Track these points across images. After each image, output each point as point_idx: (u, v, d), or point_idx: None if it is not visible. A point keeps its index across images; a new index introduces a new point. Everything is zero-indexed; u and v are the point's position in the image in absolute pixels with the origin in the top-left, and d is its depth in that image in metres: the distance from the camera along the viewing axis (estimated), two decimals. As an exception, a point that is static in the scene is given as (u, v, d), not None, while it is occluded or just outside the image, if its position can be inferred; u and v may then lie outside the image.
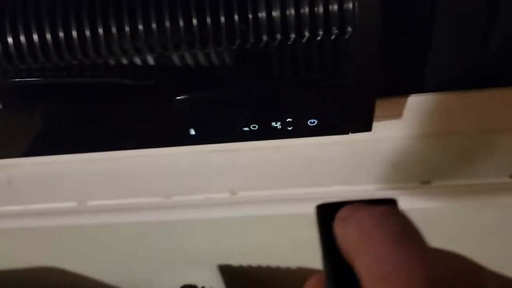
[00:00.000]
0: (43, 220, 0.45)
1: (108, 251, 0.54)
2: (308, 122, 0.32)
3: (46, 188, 0.42)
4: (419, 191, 0.40)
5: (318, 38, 0.27)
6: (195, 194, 0.41)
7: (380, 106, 0.35)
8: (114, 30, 0.28)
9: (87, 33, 0.28)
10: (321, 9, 0.26)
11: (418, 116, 0.36)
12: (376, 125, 0.36)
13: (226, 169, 0.39)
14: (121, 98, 0.32)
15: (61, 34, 0.28)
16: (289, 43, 0.28)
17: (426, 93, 0.35)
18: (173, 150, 0.38)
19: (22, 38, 0.28)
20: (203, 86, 0.31)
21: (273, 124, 0.33)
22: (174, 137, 0.34)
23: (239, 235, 0.48)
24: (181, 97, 0.31)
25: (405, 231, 0.16)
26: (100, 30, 0.28)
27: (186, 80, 0.31)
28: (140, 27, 0.27)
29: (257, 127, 0.33)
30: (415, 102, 0.36)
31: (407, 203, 0.41)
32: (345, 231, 0.17)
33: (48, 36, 0.28)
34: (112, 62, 0.29)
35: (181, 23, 0.27)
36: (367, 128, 0.33)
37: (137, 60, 0.29)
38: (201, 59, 0.29)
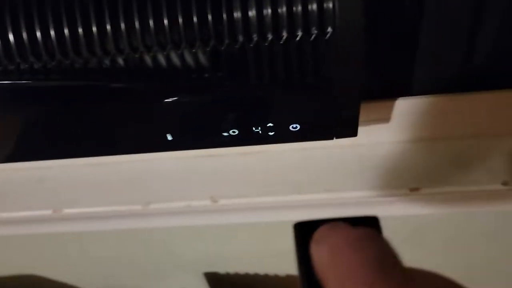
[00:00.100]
0: (18, 228, 0.43)
1: (90, 258, 0.52)
2: (290, 127, 0.31)
3: (19, 195, 0.40)
4: (408, 198, 0.39)
5: (297, 39, 0.26)
6: (174, 201, 0.39)
7: (367, 110, 0.34)
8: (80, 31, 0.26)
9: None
10: (299, 9, 0.25)
11: (406, 120, 0.35)
12: (362, 129, 0.35)
13: (207, 176, 0.38)
14: (93, 102, 0.30)
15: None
16: (266, 44, 0.26)
17: (415, 96, 0.34)
18: (150, 156, 0.37)
19: (11, 37, 0.27)
20: (178, 90, 0.29)
21: (254, 129, 0.31)
22: (151, 142, 0.33)
23: (223, 243, 0.47)
24: (156, 101, 0.30)
25: (380, 257, 0.15)
26: (66, 31, 0.26)
27: (159, 84, 0.29)
28: (108, 28, 0.26)
29: (237, 132, 0.31)
30: (403, 106, 0.34)
31: (396, 211, 0.40)
32: (319, 253, 0.17)
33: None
34: (80, 65, 0.28)
35: (151, 23, 0.26)
36: (353, 133, 0.32)
37: (107, 63, 0.27)
38: (175, 61, 0.28)
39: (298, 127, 0.31)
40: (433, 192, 0.38)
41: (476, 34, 0.30)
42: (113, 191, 0.40)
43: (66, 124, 0.32)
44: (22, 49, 0.27)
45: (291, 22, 0.25)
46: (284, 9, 0.25)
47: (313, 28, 0.26)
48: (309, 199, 0.39)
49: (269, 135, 0.31)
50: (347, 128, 0.32)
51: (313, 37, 0.26)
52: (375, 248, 0.15)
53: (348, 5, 0.25)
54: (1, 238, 0.47)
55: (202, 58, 0.27)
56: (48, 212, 0.40)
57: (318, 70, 0.27)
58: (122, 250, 0.50)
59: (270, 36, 0.26)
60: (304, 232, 0.18)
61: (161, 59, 0.27)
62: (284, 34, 0.26)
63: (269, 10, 0.25)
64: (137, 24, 0.26)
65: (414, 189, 0.39)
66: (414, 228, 0.41)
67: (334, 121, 0.31)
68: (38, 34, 0.27)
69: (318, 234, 0.17)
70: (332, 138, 0.32)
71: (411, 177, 0.38)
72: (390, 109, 0.35)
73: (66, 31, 0.26)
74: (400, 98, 0.34)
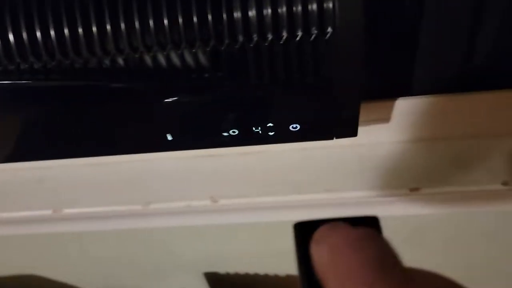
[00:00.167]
0: (18, 228, 0.43)
1: (90, 258, 0.52)
2: (290, 127, 0.31)
3: (19, 195, 0.40)
4: (408, 198, 0.39)
5: (297, 39, 0.26)
6: (174, 201, 0.39)
7: (367, 110, 0.34)
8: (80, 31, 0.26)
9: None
10: (299, 9, 0.25)
11: (406, 120, 0.35)
12: (362, 129, 0.35)
13: (207, 176, 0.38)
14: (93, 102, 0.30)
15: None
16: (266, 44, 0.26)
17: (415, 96, 0.34)
18: (150, 156, 0.36)
19: (11, 37, 0.27)
20: (178, 90, 0.29)
21: (254, 129, 0.31)
22: (151, 142, 0.33)
23: (223, 242, 0.47)
24: (156, 101, 0.30)
25: (379, 257, 0.15)
26: (66, 31, 0.26)
27: (159, 84, 0.29)
28: (108, 28, 0.26)
29: (237, 132, 0.31)
30: (403, 106, 0.34)
31: (396, 211, 0.40)
32: (319, 253, 0.17)
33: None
34: (80, 65, 0.28)
35: (151, 23, 0.26)
36: (353, 133, 0.32)
37: (107, 63, 0.27)
38: (175, 61, 0.28)
39: (298, 127, 0.31)
40: (433, 192, 0.38)
41: (476, 34, 0.29)
42: (113, 191, 0.40)
43: (66, 124, 0.32)
44: (22, 49, 0.27)
45: (291, 22, 0.25)
46: (284, 9, 0.25)
47: (313, 28, 0.25)
48: (309, 199, 0.39)
49: (269, 135, 0.31)
50: (347, 128, 0.32)
51: (313, 37, 0.26)
52: (375, 248, 0.15)
53: (348, 5, 0.25)
54: (1, 238, 0.47)
55: (202, 58, 0.27)
56: (48, 212, 0.40)
57: (318, 70, 0.27)
58: (122, 250, 0.50)
59: (270, 36, 0.26)
60: (304, 232, 0.18)
61: (161, 59, 0.27)
62: (284, 34, 0.26)
63: (269, 10, 0.25)
64: (137, 24, 0.26)
65: (414, 189, 0.39)
66: (414, 228, 0.41)
67: (334, 121, 0.31)
68: (38, 34, 0.27)
69: (318, 234, 0.17)
70: (332, 138, 0.32)
71: (411, 177, 0.38)
72: (390, 109, 0.35)
73: (66, 31, 0.26)
74: (400, 98, 0.34)
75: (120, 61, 0.27)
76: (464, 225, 0.42)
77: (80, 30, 0.26)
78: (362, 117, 0.33)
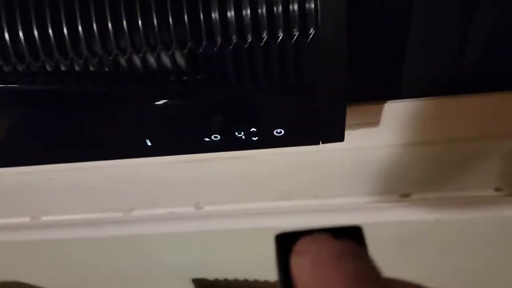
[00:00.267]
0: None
1: (73, 265, 0.51)
2: (274, 132, 0.30)
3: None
4: (398, 204, 0.37)
5: (278, 40, 0.25)
6: (157, 208, 0.38)
7: (355, 113, 0.33)
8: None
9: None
10: (280, 9, 0.24)
11: (396, 124, 0.34)
12: (351, 133, 0.34)
13: (191, 181, 0.37)
14: (68, 107, 0.29)
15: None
16: (245, 46, 0.25)
17: (404, 100, 0.33)
18: (132, 161, 0.35)
19: None
20: (156, 94, 0.28)
21: (237, 134, 0.30)
22: (129, 148, 0.31)
23: (211, 249, 0.45)
24: (133, 105, 0.29)
25: (360, 271, 0.15)
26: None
27: (137, 88, 0.28)
28: (80, 30, 0.25)
29: (219, 137, 0.30)
30: (393, 109, 0.33)
31: (386, 217, 0.39)
32: (299, 266, 0.16)
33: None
34: (52, 68, 0.26)
35: (124, 24, 0.25)
36: (339, 137, 0.31)
37: (80, 66, 0.26)
38: (152, 64, 0.26)
39: (283, 132, 0.30)
40: (424, 198, 0.37)
41: (466, 36, 0.28)
42: (92, 198, 0.38)
43: (42, 129, 0.31)
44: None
45: (271, 23, 0.24)
46: (264, 9, 0.24)
47: (295, 29, 0.24)
48: (297, 205, 0.38)
49: (253, 140, 0.30)
50: (334, 132, 0.30)
51: (294, 38, 0.25)
52: (355, 263, 0.15)
53: (331, 5, 0.23)
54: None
55: (180, 61, 0.26)
56: (25, 220, 0.39)
57: (300, 72, 0.26)
58: (106, 257, 0.49)
59: (250, 38, 0.25)
60: (286, 243, 0.17)
61: (137, 61, 0.26)
62: (265, 36, 0.25)
63: (248, 11, 0.24)
64: (110, 25, 0.25)
65: (404, 195, 0.37)
66: (405, 234, 0.40)
67: (319, 125, 0.29)
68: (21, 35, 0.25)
69: (299, 246, 0.17)
70: (318, 143, 0.31)
71: (402, 182, 0.37)
72: (379, 112, 0.34)
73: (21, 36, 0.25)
74: (390, 101, 0.33)
75: (93, 64, 0.26)
76: (456, 232, 0.41)
77: (50, 32, 0.25)
78: (350, 120, 0.32)
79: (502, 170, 0.35)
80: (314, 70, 0.26)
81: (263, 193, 0.38)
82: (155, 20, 0.24)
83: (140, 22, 0.24)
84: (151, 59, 0.26)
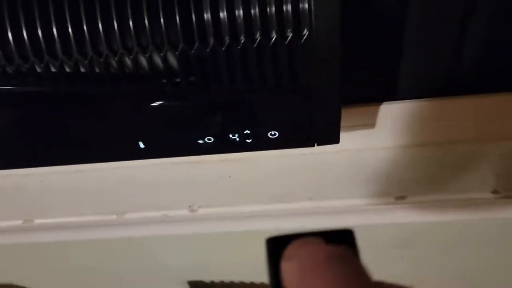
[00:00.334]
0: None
1: (69, 268, 0.51)
2: (268, 134, 0.30)
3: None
4: (393, 207, 0.37)
5: (271, 41, 0.24)
6: (151, 211, 0.38)
7: (351, 115, 0.33)
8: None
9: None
10: (273, 10, 0.24)
11: (392, 125, 0.34)
12: (347, 135, 0.34)
13: (185, 184, 0.36)
14: (59, 109, 0.29)
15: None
16: (238, 47, 0.25)
17: (401, 101, 0.32)
18: (126, 163, 0.35)
19: None
20: (148, 96, 0.28)
21: (231, 136, 0.30)
22: (122, 151, 0.31)
23: (207, 251, 0.45)
24: (126, 107, 0.28)
25: (349, 276, 0.15)
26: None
27: (129, 89, 0.27)
28: (70, 32, 0.24)
29: (212, 139, 0.30)
30: (389, 111, 0.33)
31: (381, 219, 0.39)
32: (288, 270, 0.16)
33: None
34: (42, 70, 0.26)
35: (115, 25, 0.24)
36: (334, 139, 0.30)
37: (70, 68, 0.26)
38: (145, 66, 0.26)
39: (277, 134, 0.29)
40: (420, 201, 0.37)
41: (463, 37, 0.28)
42: (86, 200, 0.38)
43: (34, 131, 0.30)
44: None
45: (264, 24, 0.24)
46: (257, 10, 0.24)
47: (288, 30, 0.24)
48: (291, 208, 0.37)
49: (247, 142, 0.30)
50: (329, 134, 0.30)
51: (288, 39, 0.24)
52: (344, 267, 0.15)
53: (325, 6, 0.23)
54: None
55: (172, 62, 0.26)
56: (18, 223, 0.39)
57: (294, 74, 0.26)
58: (100, 260, 0.48)
59: (242, 39, 0.24)
60: (277, 247, 0.17)
61: (128, 63, 0.26)
62: (258, 37, 0.24)
63: (241, 11, 0.24)
64: (100, 27, 0.24)
65: (400, 197, 0.37)
66: (402, 236, 0.40)
67: (314, 127, 0.29)
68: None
69: (289, 250, 0.17)
70: (314, 145, 0.31)
71: (397, 184, 0.37)
72: (375, 114, 0.33)
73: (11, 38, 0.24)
74: (386, 102, 0.32)
75: (84, 66, 0.26)
76: (452, 234, 0.40)
77: (39, 33, 0.25)
78: (346, 122, 0.32)
79: (499, 172, 0.35)
80: (308, 71, 0.25)
81: (258, 195, 0.37)
82: (146, 21, 0.24)
83: (131, 23, 0.24)
84: (143, 61, 0.26)
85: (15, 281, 0.55)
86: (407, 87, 0.32)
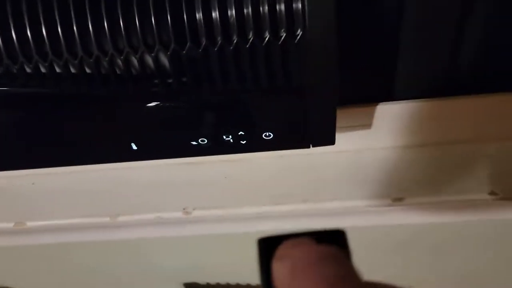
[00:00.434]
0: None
1: (63, 270, 0.50)
2: (263, 136, 0.29)
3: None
4: (390, 209, 0.37)
5: (264, 41, 0.24)
6: (144, 213, 0.37)
7: (347, 116, 0.32)
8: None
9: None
10: (266, 9, 0.23)
11: (388, 126, 0.33)
12: (343, 135, 0.33)
13: (179, 185, 0.36)
14: (51, 110, 0.28)
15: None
16: (231, 47, 0.24)
17: (399, 101, 0.32)
18: (119, 165, 0.34)
19: None
20: (140, 97, 0.27)
21: (224, 137, 0.29)
22: (115, 152, 0.31)
23: (201, 253, 0.45)
24: (118, 108, 0.28)
25: (339, 276, 0.15)
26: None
27: (121, 90, 0.27)
28: (60, 32, 0.24)
29: (206, 141, 0.29)
30: (386, 111, 0.33)
31: (378, 221, 0.38)
32: (280, 271, 0.16)
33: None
34: (32, 71, 0.25)
35: (106, 25, 0.24)
36: (330, 141, 0.30)
37: (61, 69, 0.25)
38: (136, 66, 0.26)
39: (271, 135, 0.29)
40: (417, 203, 0.37)
41: (461, 38, 0.28)
42: (78, 202, 0.37)
43: (24, 133, 0.30)
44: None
45: (257, 24, 0.23)
46: (250, 9, 0.23)
47: (282, 30, 0.24)
48: (287, 210, 0.37)
49: (241, 143, 0.29)
50: (324, 135, 0.30)
51: (281, 39, 0.24)
52: (335, 267, 0.15)
53: (319, 5, 0.23)
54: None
55: (164, 63, 0.25)
56: (9, 225, 0.38)
57: (288, 74, 0.25)
58: (94, 262, 0.48)
59: (235, 39, 0.24)
60: (269, 247, 0.17)
61: (119, 64, 0.25)
62: (251, 37, 0.24)
63: (234, 11, 0.23)
64: (91, 27, 0.24)
65: (397, 199, 0.37)
66: (399, 237, 0.40)
67: (309, 128, 0.29)
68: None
69: (281, 251, 0.17)
70: (309, 147, 0.30)
71: (394, 186, 0.36)
72: (372, 114, 0.33)
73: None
74: (382, 103, 0.32)
75: (75, 66, 0.25)
76: (450, 236, 0.40)
77: (29, 33, 0.24)
78: (342, 123, 0.32)
79: (497, 173, 0.35)
80: (302, 71, 0.25)
81: (253, 197, 0.37)
82: (137, 21, 0.24)
83: (122, 23, 0.24)
84: (134, 61, 0.25)
85: (7, 284, 0.54)
86: (405, 87, 0.31)
